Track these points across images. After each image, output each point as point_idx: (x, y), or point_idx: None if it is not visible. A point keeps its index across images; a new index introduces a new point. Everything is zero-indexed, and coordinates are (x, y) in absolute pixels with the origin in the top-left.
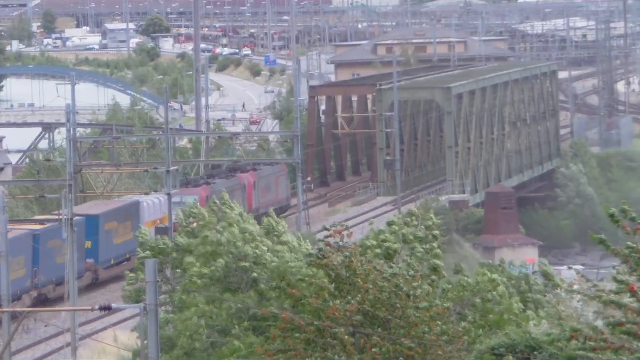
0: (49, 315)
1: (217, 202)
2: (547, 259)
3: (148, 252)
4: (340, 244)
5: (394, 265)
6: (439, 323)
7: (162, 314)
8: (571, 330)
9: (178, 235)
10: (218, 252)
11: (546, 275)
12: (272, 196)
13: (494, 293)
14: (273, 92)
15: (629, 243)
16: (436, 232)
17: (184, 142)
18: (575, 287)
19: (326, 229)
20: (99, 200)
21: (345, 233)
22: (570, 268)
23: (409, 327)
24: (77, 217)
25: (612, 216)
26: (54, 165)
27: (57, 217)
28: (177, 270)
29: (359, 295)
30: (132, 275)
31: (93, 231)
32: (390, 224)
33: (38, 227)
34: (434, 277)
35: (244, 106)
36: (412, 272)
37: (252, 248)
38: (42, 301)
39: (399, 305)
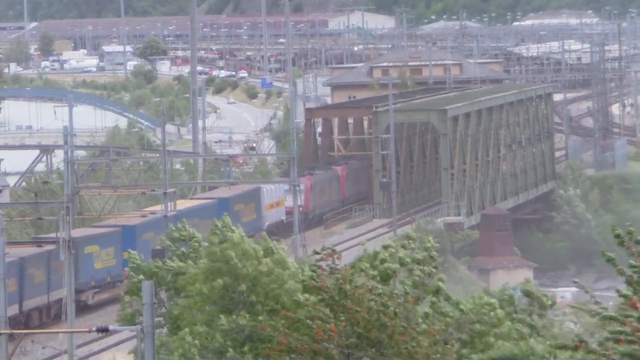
0: (47, 337)
1: (218, 224)
2: (541, 281)
3: (141, 276)
4: (332, 266)
5: (386, 288)
6: (439, 349)
7: (158, 335)
8: (577, 340)
9: (170, 260)
10: (218, 269)
11: (529, 295)
12: (357, 187)
13: (492, 314)
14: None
15: (631, 262)
16: (434, 254)
17: (176, 166)
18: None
19: (316, 253)
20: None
21: (335, 256)
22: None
23: (400, 347)
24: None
25: (618, 236)
26: (51, 188)
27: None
28: (172, 292)
29: (343, 317)
30: (127, 298)
31: None
32: (386, 247)
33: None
34: (433, 300)
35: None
36: (406, 292)
37: (250, 267)
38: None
39: (388, 324)
